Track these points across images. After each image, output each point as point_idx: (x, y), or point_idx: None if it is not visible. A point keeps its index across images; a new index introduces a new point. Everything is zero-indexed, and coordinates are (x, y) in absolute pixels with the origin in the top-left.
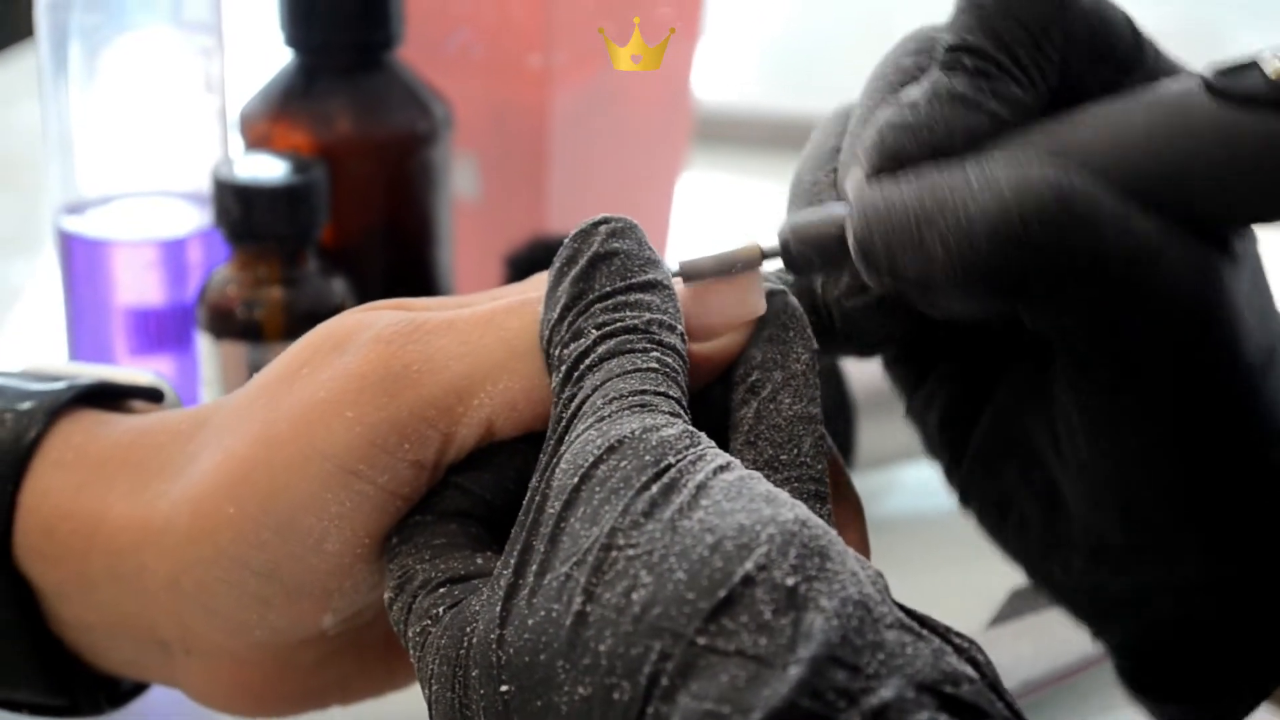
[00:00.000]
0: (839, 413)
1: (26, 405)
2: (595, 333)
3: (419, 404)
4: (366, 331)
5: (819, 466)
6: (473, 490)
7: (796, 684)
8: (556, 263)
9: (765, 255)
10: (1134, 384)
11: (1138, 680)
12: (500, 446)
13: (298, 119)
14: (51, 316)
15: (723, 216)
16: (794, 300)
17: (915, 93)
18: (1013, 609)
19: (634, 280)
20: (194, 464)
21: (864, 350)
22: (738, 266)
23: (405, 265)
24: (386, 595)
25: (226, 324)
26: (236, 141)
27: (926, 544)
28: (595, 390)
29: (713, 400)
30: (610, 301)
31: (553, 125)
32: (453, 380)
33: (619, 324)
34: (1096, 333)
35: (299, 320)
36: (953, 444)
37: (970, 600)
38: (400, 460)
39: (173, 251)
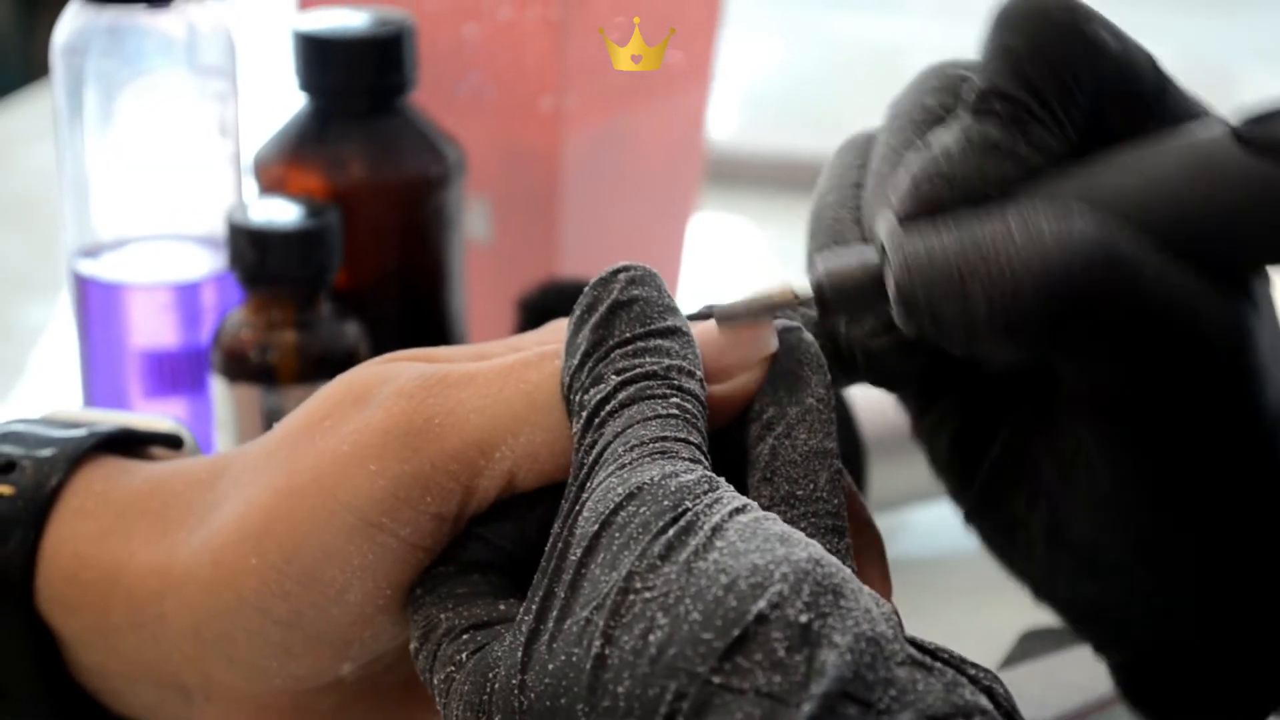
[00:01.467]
0: (850, 454)
1: (47, 452)
2: (615, 379)
3: (441, 457)
4: (388, 385)
5: (836, 501)
6: (495, 541)
7: (809, 719)
8: (577, 310)
9: (799, 299)
10: (1161, 428)
11: (1140, 696)
12: (522, 496)
13: (312, 163)
14: (66, 358)
15: (734, 257)
16: (809, 336)
17: (947, 138)
18: (1024, 651)
19: (654, 326)
20: (215, 513)
21: (883, 385)
22: (773, 310)
23: (418, 308)
24: (412, 645)
25: (240, 367)
26: (251, 185)
27: (937, 585)
28: (616, 437)
29: (731, 439)
30: (630, 347)
31: (565, 168)
32: (474, 434)
33: (639, 369)
34: (1130, 381)
35: (313, 364)
36: (962, 468)
37: (981, 642)
38: (422, 513)
39: (187, 295)
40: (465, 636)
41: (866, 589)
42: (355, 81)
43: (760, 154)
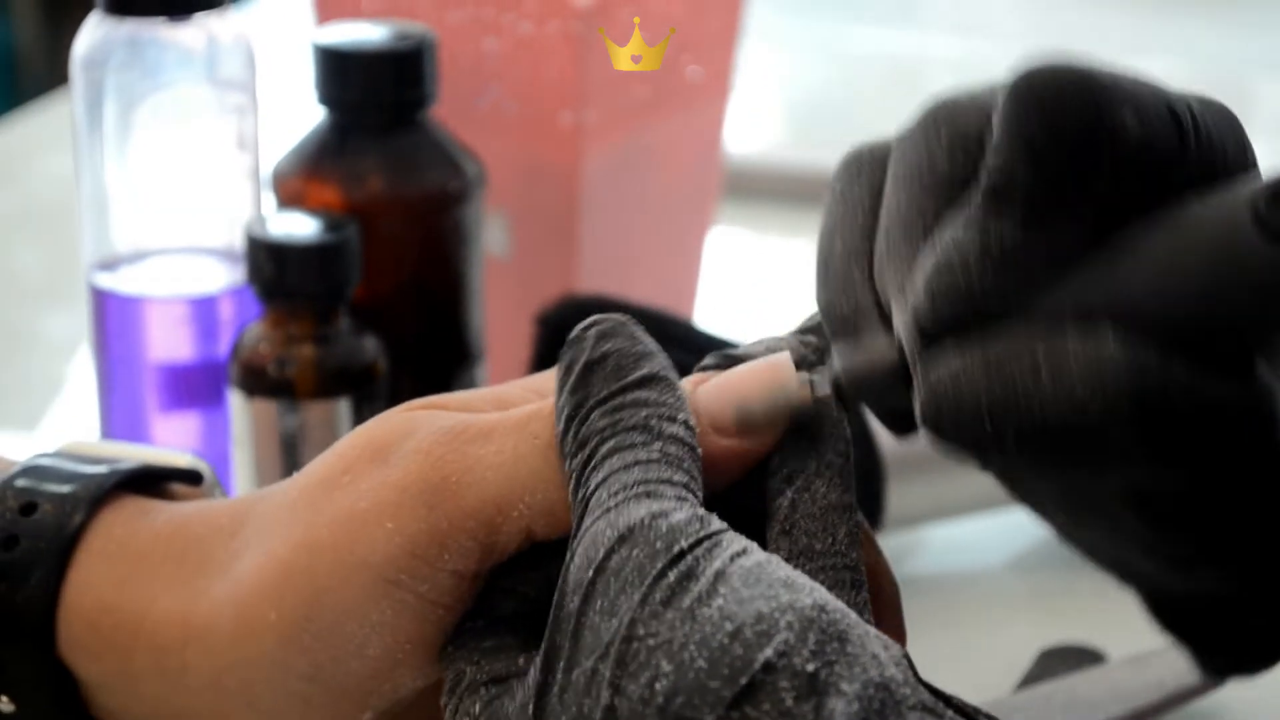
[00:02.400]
0: (869, 472)
1: (67, 489)
2: (595, 439)
3: (458, 515)
4: (408, 440)
5: (854, 554)
6: (522, 590)
7: None
8: (558, 373)
9: (818, 398)
10: (1190, 497)
11: (1176, 627)
12: (540, 549)
13: (330, 177)
14: (83, 371)
15: (752, 272)
16: (831, 399)
17: (962, 241)
18: (1042, 670)
19: (628, 380)
20: (236, 563)
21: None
22: (791, 413)
23: (437, 323)
24: (443, 699)
25: (258, 381)
26: (269, 199)
27: (956, 604)
28: (599, 486)
29: (753, 489)
30: (607, 405)
31: (584, 183)
32: (492, 492)
33: (619, 425)
34: (1163, 481)
35: (331, 378)
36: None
37: (999, 661)
38: (440, 570)
39: (205, 308)
40: (482, 690)
41: (874, 631)
42: (375, 95)
43: (779, 168)
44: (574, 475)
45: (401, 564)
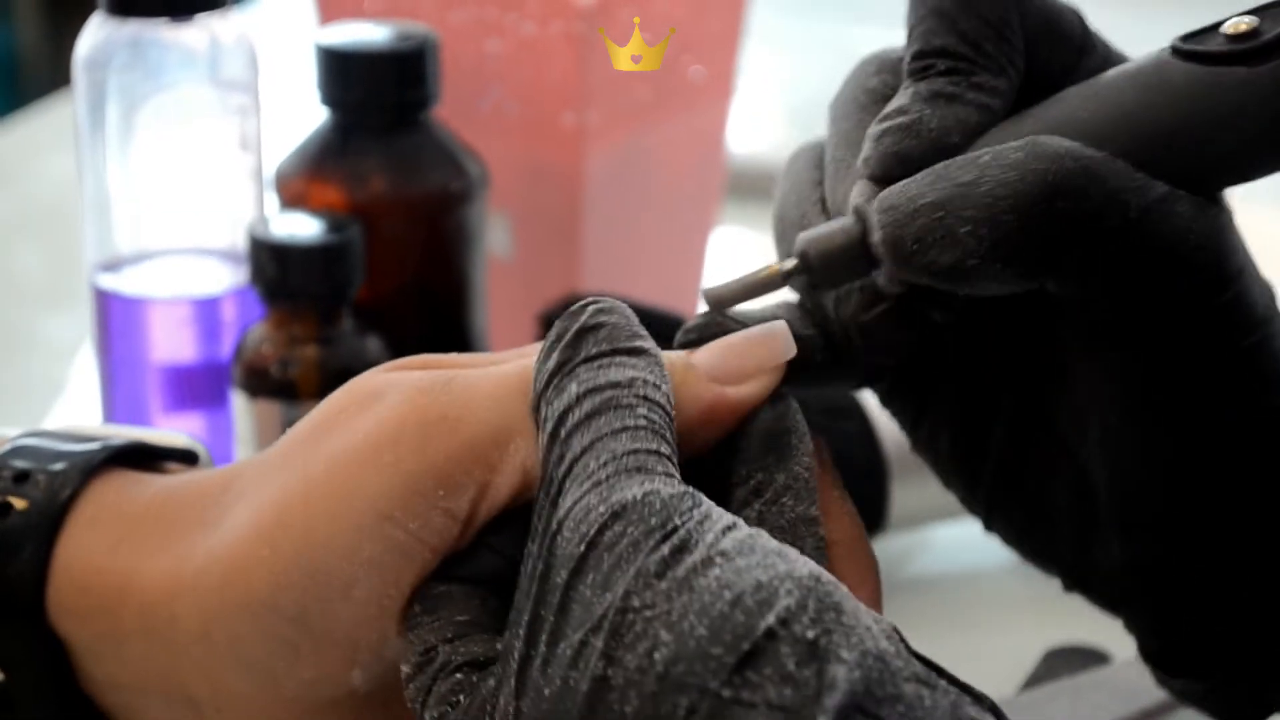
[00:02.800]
0: (872, 473)
1: (60, 466)
2: (578, 389)
3: (456, 449)
4: (401, 383)
5: (821, 566)
6: (503, 551)
7: None
8: (546, 340)
9: (787, 274)
10: (1159, 340)
11: (1167, 660)
12: (528, 508)
13: (333, 178)
14: (86, 372)
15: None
16: (796, 405)
17: (897, 100)
18: (1048, 670)
19: (620, 346)
20: (228, 516)
21: (872, 374)
22: (762, 291)
23: (440, 324)
24: (405, 670)
25: (261, 382)
26: (272, 200)
27: (961, 605)
28: (585, 451)
29: (709, 471)
30: (596, 363)
31: (586, 184)
32: (489, 425)
33: (603, 379)
34: (1121, 293)
35: (334, 379)
36: (969, 464)
37: (1005, 662)
38: (435, 507)
39: (208, 309)
40: (460, 676)
41: (863, 606)
42: (377, 96)
43: (781, 169)
44: (549, 424)
45: (397, 498)
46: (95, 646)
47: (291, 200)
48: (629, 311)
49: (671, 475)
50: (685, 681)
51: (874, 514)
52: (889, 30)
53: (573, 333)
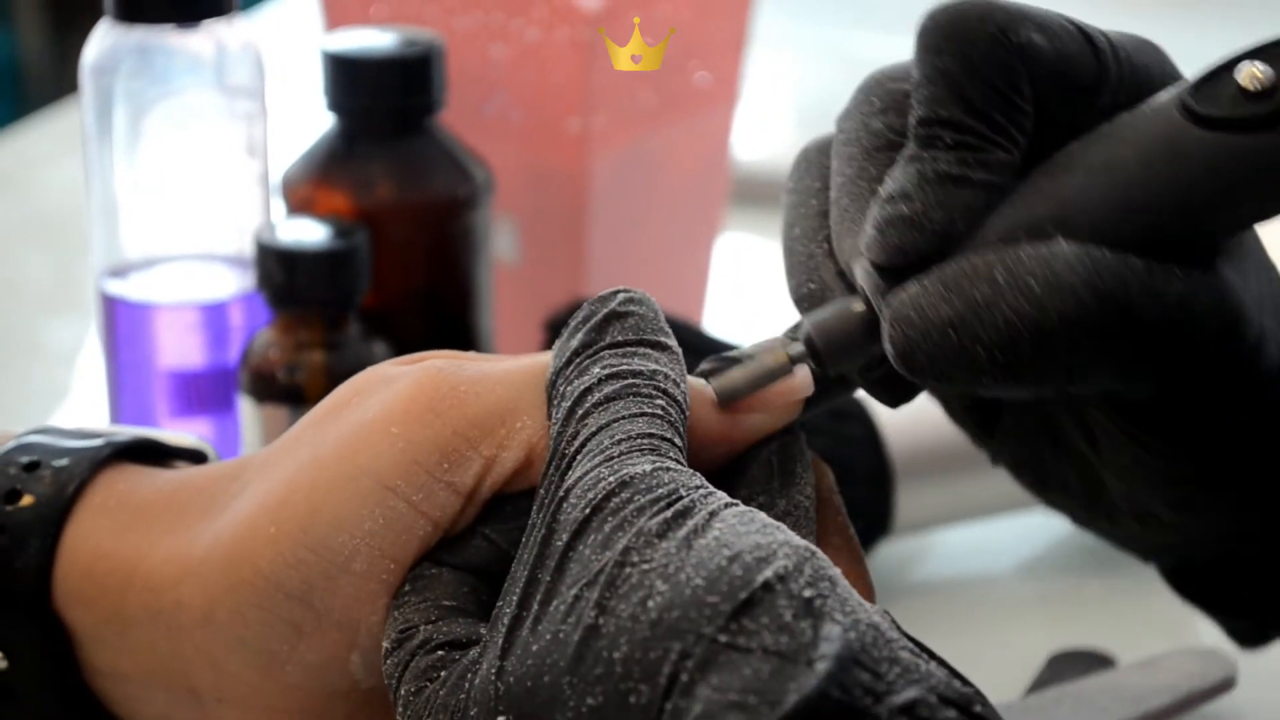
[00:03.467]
0: (877, 477)
1: (66, 461)
2: (601, 371)
3: (462, 423)
4: (413, 368)
5: None
6: (498, 543)
7: (825, 676)
8: (572, 321)
9: (794, 361)
10: (1175, 406)
11: (1192, 592)
12: (528, 500)
13: (339, 184)
14: (93, 377)
15: (760, 277)
16: (803, 437)
17: (901, 178)
18: (1052, 674)
19: (646, 337)
20: (237, 500)
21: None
22: (769, 378)
23: (446, 329)
24: (385, 644)
25: (268, 387)
26: (279, 205)
27: (965, 609)
28: (601, 429)
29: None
30: (621, 350)
31: (592, 189)
32: (497, 401)
33: (626, 367)
34: (1136, 389)
35: (340, 384)
36: (981, 419)
37: (1010, 665)
38: (438, 480)
39: (215, 315)
40: (441, 653)
41: (855, 592)
42: (383, 102)
43: (786, 175)
44: (567, 403)
45: (401, 469)
46: (99, 633)
47: (298, 206)
48: (657, 306)
49: (682, 463)
50: (679, 627)
51: (879, 518)
52: (892, 35)
53: (601, 316)
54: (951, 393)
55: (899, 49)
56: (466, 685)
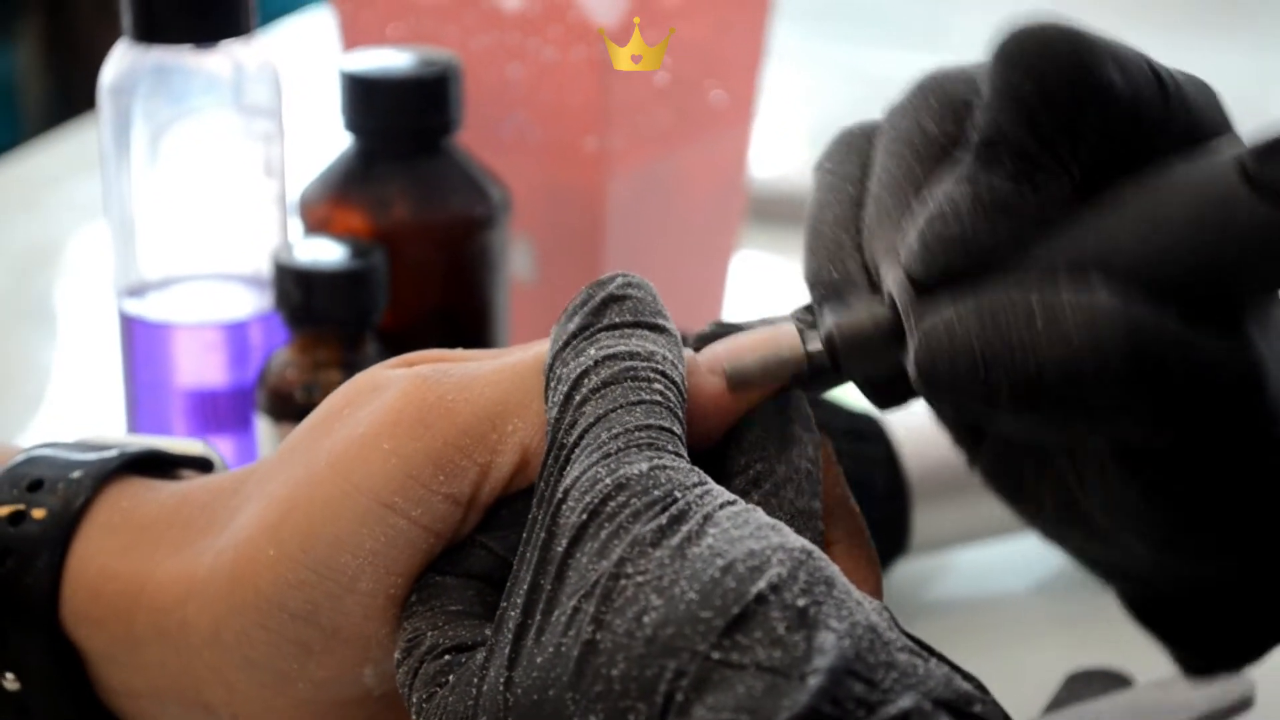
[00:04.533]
0: (894, 496)
1: (74, 474)
2: (597, 353)
3: (453, 433)
4: (400, 376)
5: None
6: (497, 551)
7: (816, 691)
8: (571, 303)
9: (811, 358)
10: (1186, 458)
11: (1152, 623)
12: (529, 505)
13: (357, 203)
14: (110, 397)
15: (775, 296)
16: (800, 397)
17: (955, 194)
18: (1070, 693)
19: (644, 319)
20: (237, 517)
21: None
22: (783, 370)
23: (462, 348)
24: (396, 654)
25: (286, 407)
26: (296, 225)
27: (982, 628)
28: (599, 420)
29: (712, 462)
30: (618, 332)
31: (608, 208)
32: (487, 407)
33: (623, 348)
34: (1151, 441)
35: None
36: (970, 435)
37: (1027, 685)
38: (435, 493)
39: (233, 334)
40: (448, 657)
41: (854, 587)
42: (401, 121)
43: (802, 193)
44: (563, 386)
45: (396, 485)
46: (110, 652)
47: (315, 226)
48: (655, 290)
49: (680, 455)
50: (674, 645)
51: (896, 537)
52: (909, 53)
53: (598, 300)
54: (955, 415)
55: (913, 66)
56: (474, 691)
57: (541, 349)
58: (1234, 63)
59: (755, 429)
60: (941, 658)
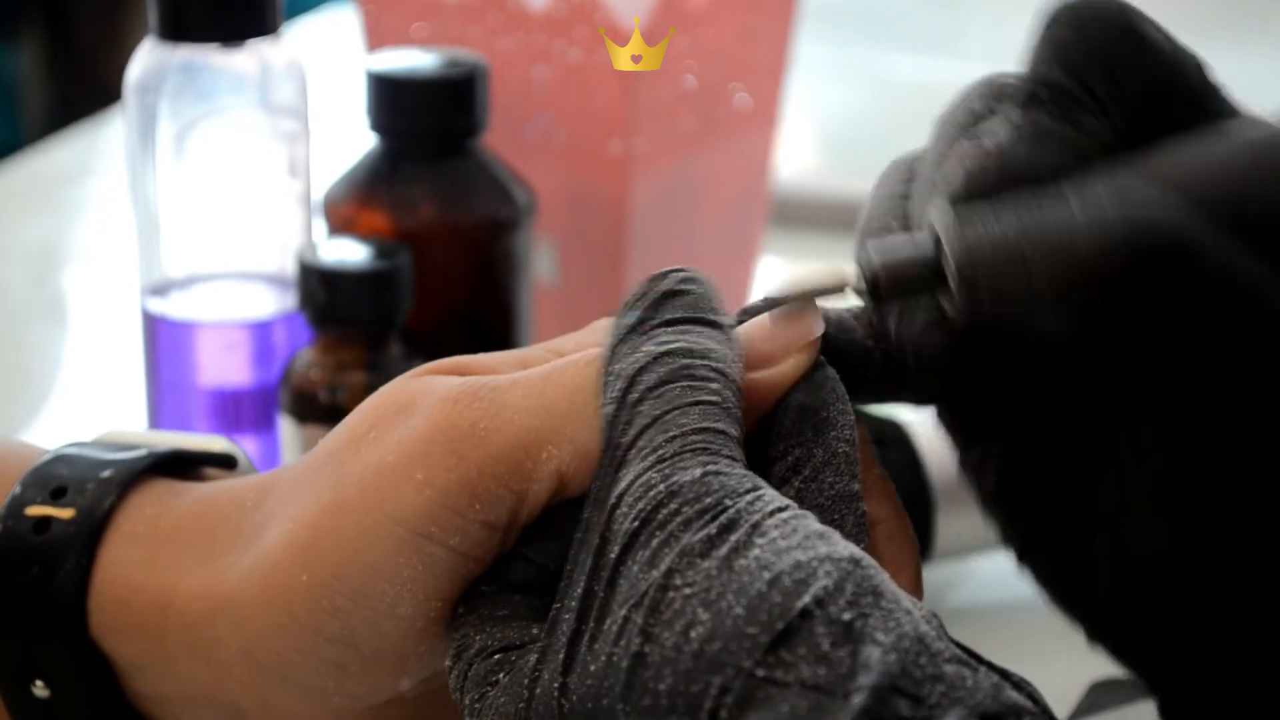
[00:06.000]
0: (917, 503)
1: (98, 477)
2: (655, 349)
3: (487, 462)
4: (431, 394)
5: (863, 544)
6: (537, 560)
7: (860, 711)
8: (628, 297)
9: (850, 284)
10: (1218, 413)
11: (1110, 645)
12: (566, 514)
13: (381, 204)
14: (133, 395)
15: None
16: (834, 375)
17: (997, 128)
18: (1092, 702)
19: (702, 315)
20: (263, 533)
21: (925, 392)
22: (824, 295)
23: (486, 350)
24: (446, 662)
25: (309, 407)
26: (321, 225)
27: (1007, 635)
28: (655, 421)
29: (751, 450)
30: (676, 328)
31: (632, 211)
32: (519, 435)
33: (681, 345)
34: (1188, 359)
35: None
36: (1012, 503)
37: (1050, 692)
38: (471, 521)
39: (257, 334)
40: (498, 657)
41: (904, 592)
42: (427, 123)
43: (826, 197)
44: (619, 382)
45: (432, 516)
46: (140, 662)
47: (340, 226)
48: (713, 286)
49: (735, 459)
50: (720, 660)
51: (919, 543)
52: (932, 58)
53: (657, 294)
54: (1005, 322)
55: (931, 72)
56: (526, 694)
57: (570, 363)
58: (1250, 68)
59: (790, 414)
60: (992, 666)
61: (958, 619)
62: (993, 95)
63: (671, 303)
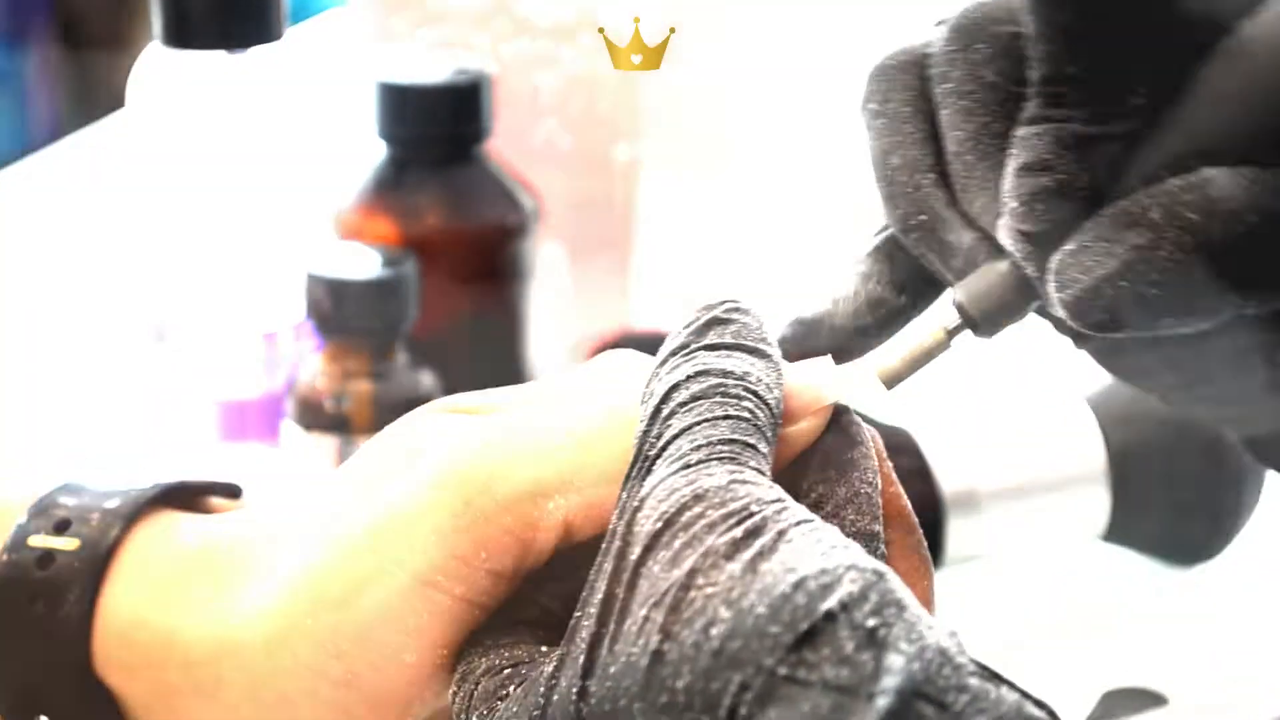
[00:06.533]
0: (927, 509)
1: (102, 506)
2: (690, 369)
3: (495, 511)
4: (441, 439)
5: None
6: (542, 602)
7: (884, 713)
8: (678, 326)
9: (950, 334)
10: None
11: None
12: (579, 554)
13: (388, 211)
14: (140, 404)
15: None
16: (858, 421)
17: (1037, 145)
18: (1105, 712)
19: (745, 343)
20: (270, 574)
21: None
22: (928, 357)
23: (493, 357)
24: (450, 690)
25: (316, 416)
26: (327, 233)
27: (1015, 643)
28: (684, 432)
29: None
30: (717, 352)
31: (639, 217)
32: (527, 486)
33: (717, 366)
34: None
35: (387, 413)
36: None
37: (1062, 703)
38: (477, 570)
39: (264, 343)
40: (508, 671)
41: (925, 612)
42: (433, 130)
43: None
44: (654, 400)
45: (439, 565)
46: (144, 699)
47: (347, 234)
48: (763, 316)
49: (762, 472)
50: (740, 658)
51: (929, 551)
52: None
53: (703, 321)
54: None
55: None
56: (541, 701)
57: (579, 415)
58: None
59: (815, 455)
60: (1012, 685)
61: (967, 626)
62: (1002, 54)
63: (717, 329)
